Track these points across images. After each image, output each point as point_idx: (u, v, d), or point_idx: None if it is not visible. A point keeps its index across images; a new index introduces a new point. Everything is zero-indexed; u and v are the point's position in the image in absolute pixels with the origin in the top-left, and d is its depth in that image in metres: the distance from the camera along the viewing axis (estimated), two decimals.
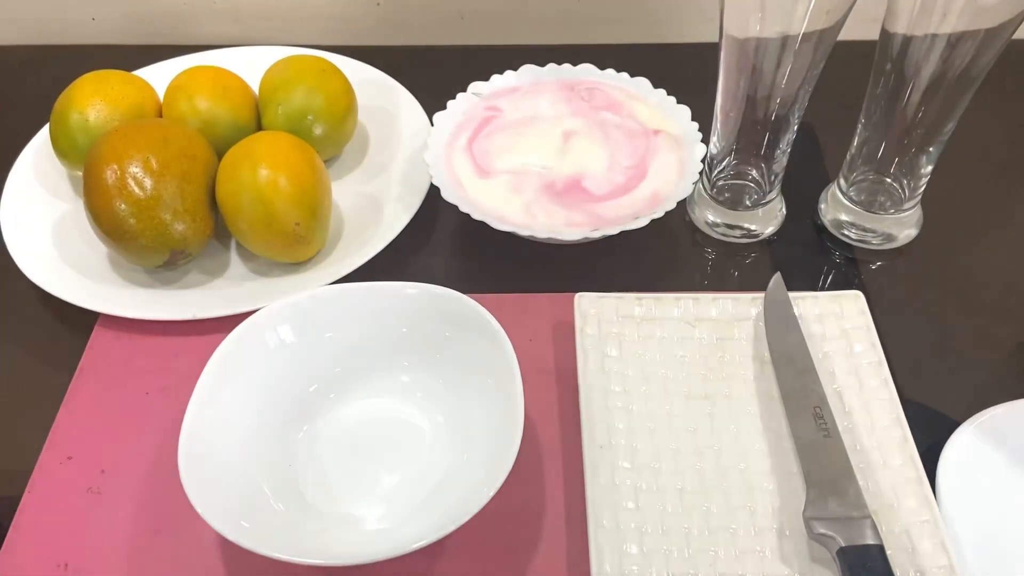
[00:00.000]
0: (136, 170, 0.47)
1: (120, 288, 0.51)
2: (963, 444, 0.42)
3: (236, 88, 0.56)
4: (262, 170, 0.48)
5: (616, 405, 0.45)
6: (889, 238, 0.54)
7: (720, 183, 0.54)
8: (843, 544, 0.37)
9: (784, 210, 0.56)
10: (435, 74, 0.62)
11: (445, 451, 0.43)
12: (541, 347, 0.48)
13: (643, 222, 0.49)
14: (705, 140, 0.53)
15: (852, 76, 0.52)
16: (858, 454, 0.42)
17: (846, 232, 0.54)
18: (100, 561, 0.40)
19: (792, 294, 0.48)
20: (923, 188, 0.52)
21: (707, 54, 0.50)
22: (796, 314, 0.47)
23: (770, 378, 0.46)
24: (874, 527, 0.38)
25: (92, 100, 0.54)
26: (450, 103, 0.57)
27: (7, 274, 0.51)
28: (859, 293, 0.49)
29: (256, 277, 0.52)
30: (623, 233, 0.49)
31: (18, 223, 0.54)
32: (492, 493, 0.36)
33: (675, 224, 0.56)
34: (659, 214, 0.49)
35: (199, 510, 0.36)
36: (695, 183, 0.52)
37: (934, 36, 0.44)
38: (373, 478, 0.42)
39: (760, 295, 0.48)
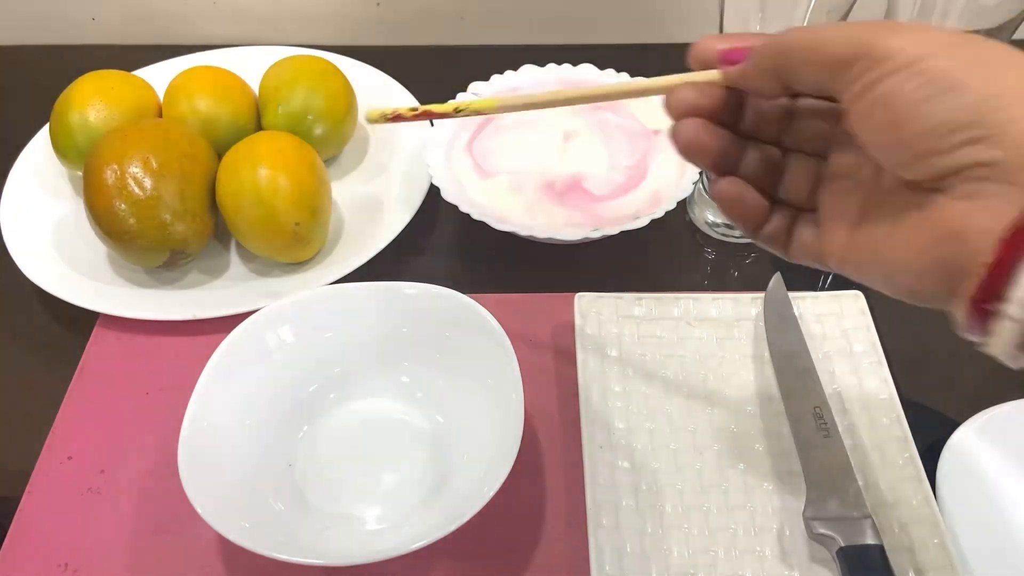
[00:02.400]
0: (136, 170, 0.47)
1: (120, 288, 0.51)
2: (963, 444, 0.42)
3: (236, 88, 0.56)
4: (262, 170, 0.48)
5: (616, 405, 0.45)
6: None
7: None
8: (843, 544, 0.37)
9: None
10: (435, 74, 0.62)
11: (445, 451, 0.43)
12: (541, 347, 0.48)
13: (643, 222, 0.49)
14: None
15: None
16: (858, 454, 0.42)
17: None
18: (100, 561, 0.40)
19: (792, 294, 0.48)
20: None
21: None
22: (796, 314, 0.47)
23: (770, 378, 0.46)
24: (874, 527, 0.38)
25: (92, 100, 0.54)
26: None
27: (7, 274, 0.51)
28: (859, 293, 0.49)
29: (256, 277, 0.52)
30: (623, 233, 0.49)
31: (18, 223, 0.54)
32: (492, 493, 0.36)
33: (675, 224, 0.56)
34: (659, 214, 0.49)
35: (199, 510, 0.36)
36: (695, 183, 0.52)
37: None
38: (373, 478, 0.42)
39: (760, 295, 0.48)
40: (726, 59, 0.30)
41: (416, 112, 0.37)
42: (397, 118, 0.38)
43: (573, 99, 0.35)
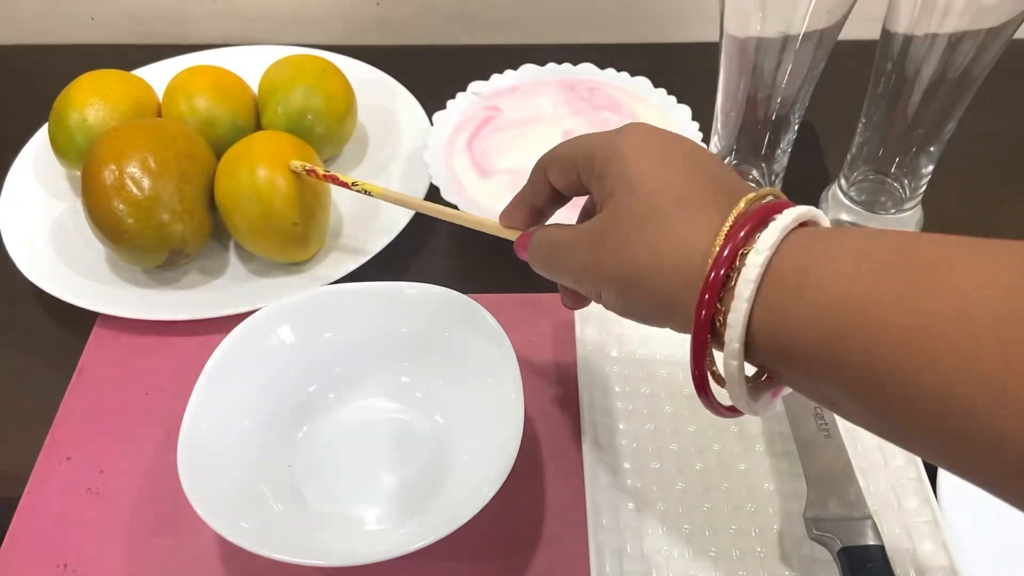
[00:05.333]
0: (134, 170, 0.47)
1: (120, 288, 0.51)
2: None
3: (235, 88, 0.56)
4: (261, 170, 0.48)
5: (616, 405, 0.45)
6: None
7: None
8: (843, 545, 0.37)
9: None
10: (435, 74, 0.62)
11: (445, 451, 0.43)
12: (541, 347, 0.48)
13: None
14: (705, 140, 0.53)
15: (852, 76, 0.52)
16: (859, 454, 0.42)
17: None
18: (100, 561, 0.40)
19: None
20: (924, 188, 0.52)
21: (707, 54, 0.50)
22: None
23: None
24: (875, 527, 0.38)
25: (91, 100, 0.53)
26: (450, 103, 0.57)
27: (7, 274, 0.51)
28: None
29: (256, 277, 0.52)
30: None
31: (18, 223, 0.54)
32: (492, 493, 0.36)
33: None
34: None
35: (199, 510, 0.36)
36: None
37: (935, 36, 0.44)
38: (373, 478, 0.42)
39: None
40: (517, 245, 0.38)
41: (326, 175, 0.49)
42: (312, 172, 0.49)
43: (440, 215, 0.44)
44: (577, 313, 0.48)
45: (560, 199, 0.37)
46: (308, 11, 0.71)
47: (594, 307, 0.48)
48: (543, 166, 0.36)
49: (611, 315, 0.48)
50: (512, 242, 0.39)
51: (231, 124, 0.54)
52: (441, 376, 0.45)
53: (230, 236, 0.53)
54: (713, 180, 0.30)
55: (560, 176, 0.35)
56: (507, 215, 0.39)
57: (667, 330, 0.48)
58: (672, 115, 0.55)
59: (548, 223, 0.38)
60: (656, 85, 0.57)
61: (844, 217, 0.54)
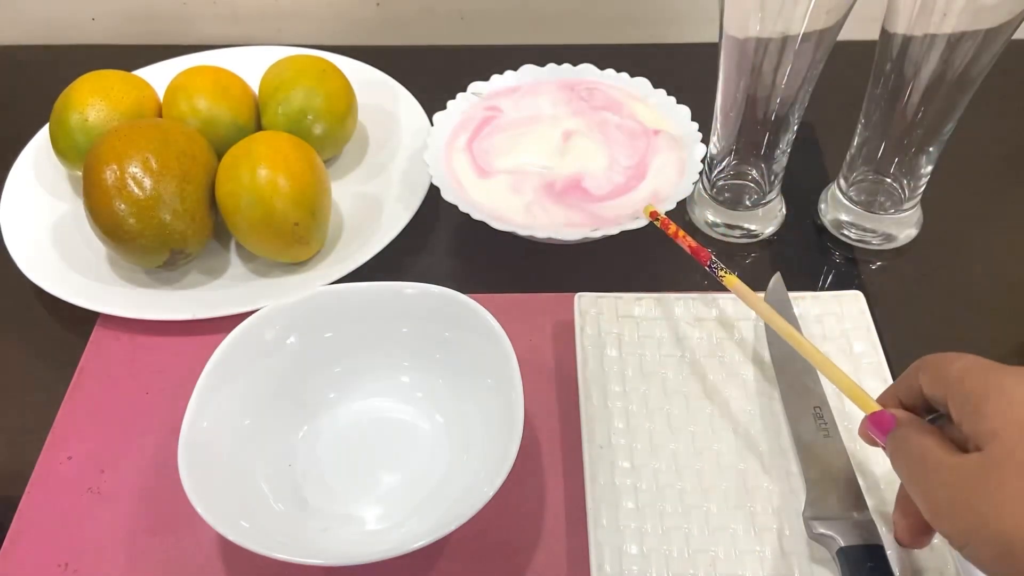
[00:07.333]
0: (135, 170, 0.47)
1: (120, 288, 0.51)
2: None
3: (236, 88, 0.56)
4: (261, 170, 0.48)
5: (616, 405, 0.45)
6: (889, 238, 0.54)
7: (720, 183, 0.54)
8: (843, 544, 0.37)
9: (784, 210, 0.56)
10: (435, 74, 0.62)
11: (445, 451, 0.43)
12: (541, 347, 0.48)
13: (643, 222, 0.49)
14: (705, 140, 0.53)
15: (852, 76, 0.52)
16: (858, 454, 0.42)
17: (846, 232, 0.54)
18: (100, 561, 0.40)
19: (792, 294, 0.48)
20: (923, 188, 0.52)
21: (707, 54, 0.50)
22: (796, 314, 0.47)
23: (770, 378, 0.46)
24: (874, 527, 0.38)
25: (92, 100, 0.54)
26: (450, 103, 0.57)
27: (7, 274, 0.51)
28: (859, 293, 0.49)
29: (256, 277, 0.52)
30: (623, 233, 0.49)
31: (18, 223, 0.54)
32: (492, 493, 0.36)
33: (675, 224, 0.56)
34: (659, 214, 0.49)
35: (199, 510, 0.36)
36: (695, 183, 0.52)
37: (934, 36, 0.44)
38: (373, 478, 0.42)
39: (760, 295, 0.48)
40: (873, 420, 0.35)
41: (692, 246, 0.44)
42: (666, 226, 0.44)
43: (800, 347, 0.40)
44: (577, 313, 0.48)
45: (926, 411, 0.35)
46: (308, 11, 0.71)
47: (593, 307, 0.49)
48: (919, 365, 0.34)
49: (611, 315, 0.49)
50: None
51: (232, 124, 0.54)
52: (441, 376, 0.45)
53: (231, 236, 0.53)
54: None
55: (929, 384, 0.33)
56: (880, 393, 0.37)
57: (666, 330, 0.48)
58: (672, 115, 0.55)
59: (926, 426, 0.33)
60: (656, 85, 0.57)
61: (843, 217, 0.54)
